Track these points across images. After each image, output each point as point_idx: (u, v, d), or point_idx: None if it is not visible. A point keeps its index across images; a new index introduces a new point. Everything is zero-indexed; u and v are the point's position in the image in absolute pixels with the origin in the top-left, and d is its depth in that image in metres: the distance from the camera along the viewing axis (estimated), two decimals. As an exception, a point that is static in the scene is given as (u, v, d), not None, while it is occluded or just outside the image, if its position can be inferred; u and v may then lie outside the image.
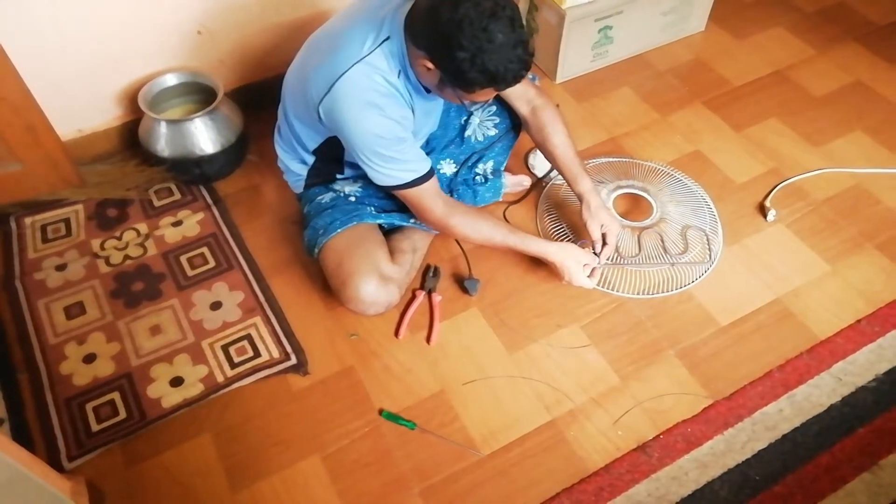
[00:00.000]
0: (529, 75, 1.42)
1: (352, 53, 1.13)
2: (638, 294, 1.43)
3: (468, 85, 1.08)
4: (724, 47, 1.99)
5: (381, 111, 1.15)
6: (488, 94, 1.13)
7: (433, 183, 1.26)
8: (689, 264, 1.46)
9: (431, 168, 1.25)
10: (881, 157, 1.69)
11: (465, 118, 1.55)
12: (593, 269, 1.37)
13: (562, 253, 1.35)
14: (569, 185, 1.42)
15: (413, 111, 1.24)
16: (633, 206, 1.58)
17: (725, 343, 1.36)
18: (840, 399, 1.28)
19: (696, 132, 1.76)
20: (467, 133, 1.55)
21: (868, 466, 1.20)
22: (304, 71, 1.23)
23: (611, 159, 1.65)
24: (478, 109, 1.54)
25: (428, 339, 1.36)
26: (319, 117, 1.18)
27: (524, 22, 1.90)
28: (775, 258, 1.49)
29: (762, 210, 1.58)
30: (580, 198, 1.39)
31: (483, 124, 1.55)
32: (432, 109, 1.37)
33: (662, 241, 1.48)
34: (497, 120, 1.55)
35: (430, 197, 1.26)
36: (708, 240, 1.50)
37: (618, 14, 1.81)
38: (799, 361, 1.33)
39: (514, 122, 1.55)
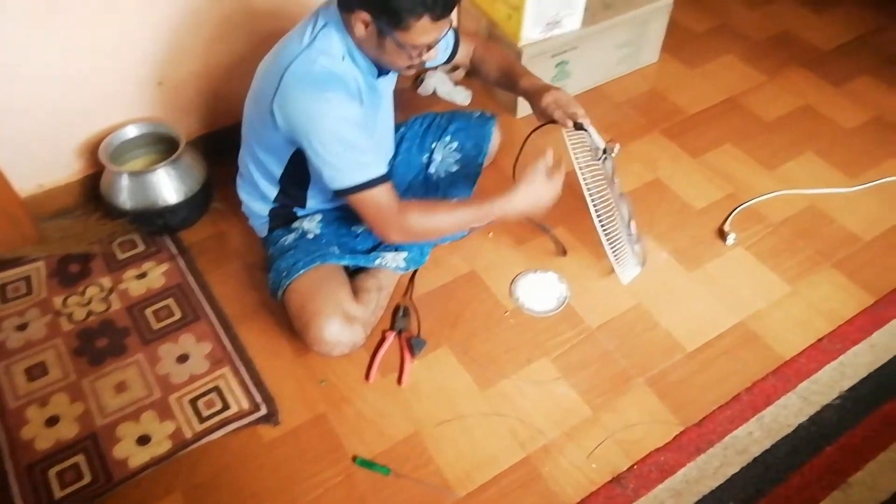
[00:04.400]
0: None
1: (294, 49, 1.17)
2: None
3: (401, 16, 1.07)
4: (678, 77, 2.06)
5: (335, 91, 1.15)
6: (426, 30, 1.10)
7: (389, 188, 1.21)
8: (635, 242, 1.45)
9: (388, 173, 1.22)
10: (832, 177, 1.75)
11: (427, 155, 1.58)
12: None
13: (528, 192, 1.26)
14: (517, 93, 1.40)
15: (362, 100, 1.24)
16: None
17: (693, 368, 1.38)
18: (807, 418, 1.30)
19: (654, 160, 1.80)
20: (430, 170, 1.57)
21: (838, 485, 1.21)
22: (255, 87, 1.25)
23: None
24: (439, 146, 1.57)
25: (399, 381, 1.36)
26: (274, 120, 1.17)
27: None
28: (737, 281, 1.53)
29: (722, 234, 1.61)
30: (526, 97, 1.37)
31: (445, 161, 1.57)
32: (379, 104, 1.33)
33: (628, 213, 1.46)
34: (459, 156, 1.57)
35: (386, 203, 1.21)
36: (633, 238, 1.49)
37: (573, 49, 1.87)
38: (765, 383, 1.35)
39: (476, 158, 1.58)
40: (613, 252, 1.42)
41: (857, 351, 1.40)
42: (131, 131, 1.58)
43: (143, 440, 1.26)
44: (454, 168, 1.57)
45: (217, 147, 1.69)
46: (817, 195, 1.70)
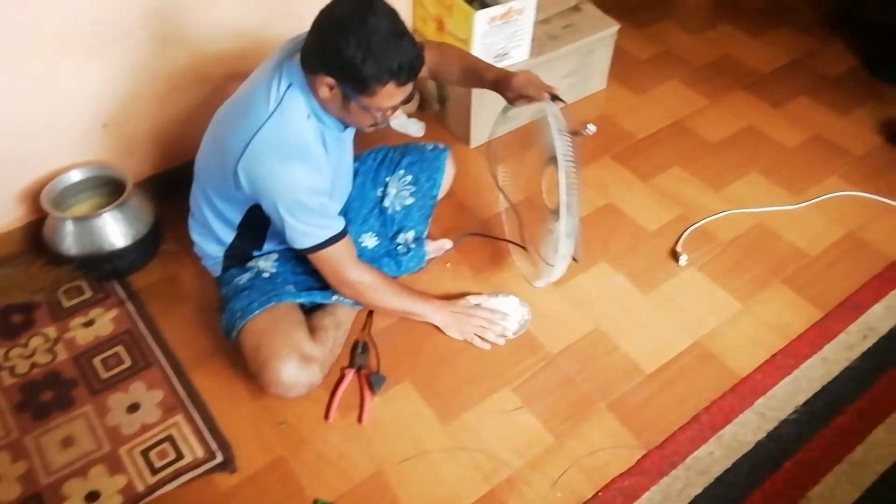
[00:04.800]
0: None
1: (261, 112, 1.16)
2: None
3: (367, 83, 1.08)
4: (626, 103, 2.11)
5: (302, 159, 1.16)
6: (392, 94, 1.12)
7: (347, 242, 1.27)
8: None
9: (346, 227, 1.26)
10: (777, 195, 1.81)
11: (381, 189, 1.57)
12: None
13: (455, 317, 1.41)
14: (484, 85, 1.37)
15: (327, 152, 1.24)
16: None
17: (653, 390, 1.39)
18: (765, 435, 1.32)
19: (606, 185, 1.83)
20: (385, 204, 1.57)
21: (798, 499, 1.23)
22: (217, 143, 1.23)
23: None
24: (393, 180, 1.57)
25: (360, 419, 1.33)
26: (237, 181, 1.17)
27: (435, 90, 1.97)
28: (691, 301, 1.55)
29: (674, 255, 1.64)
30: (495, 86, 1.34)
31: (400, 194, 1.57)
32: (342, 151, 1.35)
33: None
34: (413, 188, 1.57)
35: (346, 257, 1.27)
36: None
37: (522, 79, 1.90)
38: (723, 402, 1.37)
39: (430, 191, 1.58)
40: (568, 236, 1.32)
41: (810, 365, 1.43)
42: (75, 175, 1.54)
43: (92, 497, 1.20)
44: (409, 201, 1.57)
45: (167, 188, 1.66)
46: (764, 213, 1.75)
